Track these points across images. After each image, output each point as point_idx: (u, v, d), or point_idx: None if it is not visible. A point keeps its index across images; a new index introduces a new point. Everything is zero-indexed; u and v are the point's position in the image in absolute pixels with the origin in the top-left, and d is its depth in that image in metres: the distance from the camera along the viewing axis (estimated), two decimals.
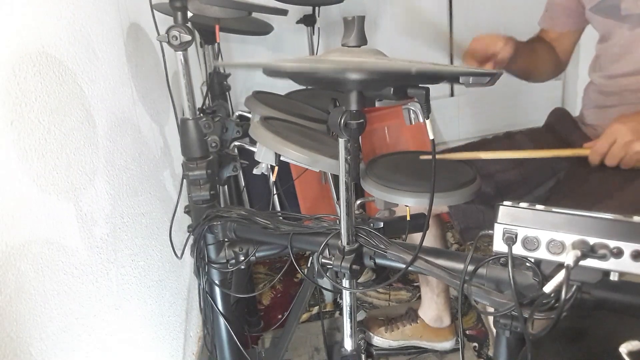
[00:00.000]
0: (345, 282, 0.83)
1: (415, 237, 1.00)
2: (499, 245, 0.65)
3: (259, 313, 1.79)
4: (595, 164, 1.04)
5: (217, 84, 1.53)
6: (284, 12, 1.17)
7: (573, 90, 2.50)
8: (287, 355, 1.55)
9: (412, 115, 2.25)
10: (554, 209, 0.62)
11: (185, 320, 1.43)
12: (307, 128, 1.08)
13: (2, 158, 0.66)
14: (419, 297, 1.63)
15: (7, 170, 0.67)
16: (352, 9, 2.07)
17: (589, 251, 0.59)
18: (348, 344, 0.91)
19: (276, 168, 0.98)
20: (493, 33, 1.15)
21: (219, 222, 0.99)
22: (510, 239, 0.64)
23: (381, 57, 0.70)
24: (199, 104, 1.20)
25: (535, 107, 2.35)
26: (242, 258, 1.02)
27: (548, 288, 0.61)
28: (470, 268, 0.72)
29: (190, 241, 1.06)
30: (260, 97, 1.27)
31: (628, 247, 0.58)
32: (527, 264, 0.66)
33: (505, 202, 0.65)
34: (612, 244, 0.59)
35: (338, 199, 1.20)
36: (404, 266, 0.76)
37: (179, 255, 1.10)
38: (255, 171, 1.03)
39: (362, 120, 0.70)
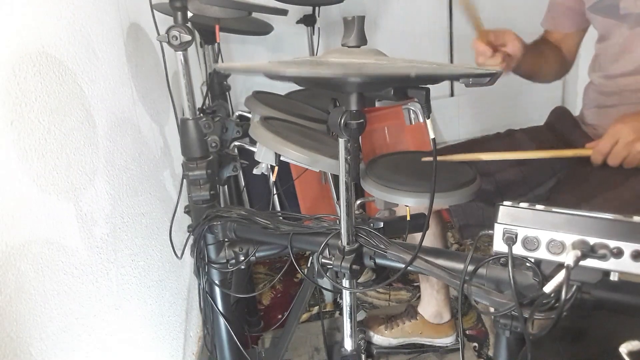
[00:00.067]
0: (345, 282, 0.83)
1: (416, 237, 1.00)
2: (499, 245, 0.65)
3: (259, 313, 1.79)
4: (597, 163, 1.04)
5: (217, 84, 1.52)
6: (284, 12, 1.17)
7: (573, 90, 2.50)
8: (287, 355, 1.55)
9: (412, 115, 2.25)
10: (554, 209, 0.62)
11: (185, 320, 1.43)
12: (307, 128, 1.08)
13: (2, 158, 0.66)
14: (419, 297, 1.63)
15: (7, 170, 0.67)
16: (352, 9, 2.07)
17: (589, 251, 0.59)
18: (348, 344, 0.91)
19: (276, 168, 0.98)
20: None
21: (219, 222, 0.99)
22: (510, 239, 0.64)
23: (381, 58, 0.70)
24: (199, 104, 1.20)
25: (536, 107, 2.34)
26: (242, 258, 1.02)
27: (548, 288, 0.61)
28: (470, 268, 0.72)
29: (190, 241, 1.06)
30: (260, 97, 1.27)
31: (628, 247, 0.58)
32: (527, 264, 0.66)
33: (505, 202, 0.65)
34: (612, 244, 0.59)
35: (338, 199, 1.20)
36: (403, 266, 0.76)
37: (179, 255, 1.10)
38: (255, 171, 1.03)
39: (362, 120, 0.70)
